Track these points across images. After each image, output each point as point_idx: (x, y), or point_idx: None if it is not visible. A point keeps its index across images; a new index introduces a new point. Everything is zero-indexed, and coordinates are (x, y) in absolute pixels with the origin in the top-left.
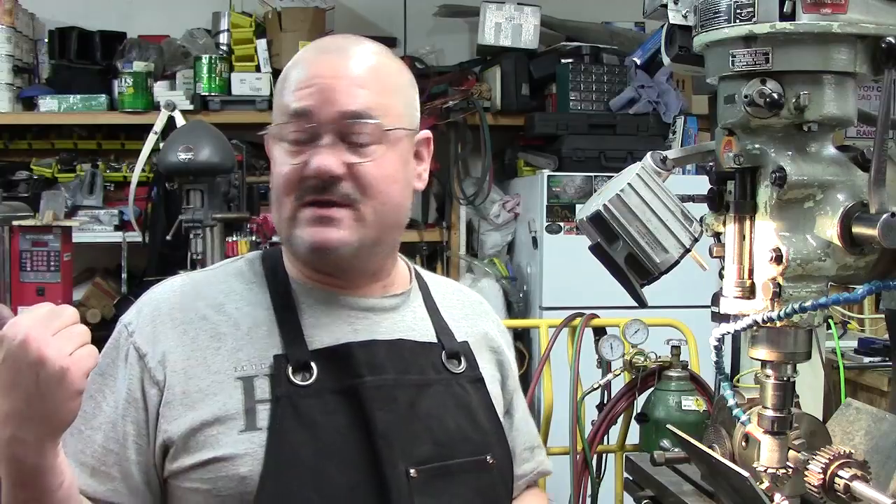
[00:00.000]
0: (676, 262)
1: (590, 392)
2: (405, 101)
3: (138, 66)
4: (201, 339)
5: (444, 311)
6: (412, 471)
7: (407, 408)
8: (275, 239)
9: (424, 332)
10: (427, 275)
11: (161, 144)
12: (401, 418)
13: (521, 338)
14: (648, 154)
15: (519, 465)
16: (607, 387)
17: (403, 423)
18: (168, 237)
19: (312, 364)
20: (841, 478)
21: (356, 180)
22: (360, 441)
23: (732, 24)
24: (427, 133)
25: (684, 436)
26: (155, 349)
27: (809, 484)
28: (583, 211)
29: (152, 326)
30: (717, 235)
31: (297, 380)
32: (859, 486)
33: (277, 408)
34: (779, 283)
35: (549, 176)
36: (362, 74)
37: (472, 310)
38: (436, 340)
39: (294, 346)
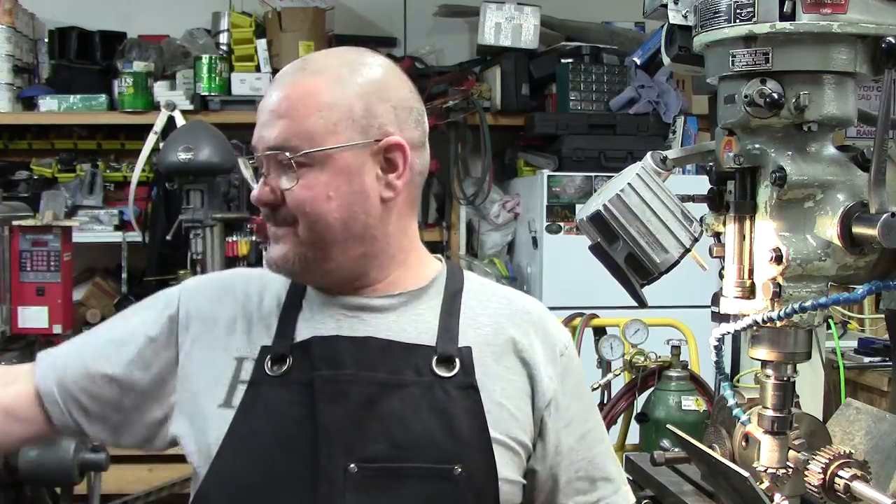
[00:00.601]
0: (676, 262)
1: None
2: (345, 116)
3: (138, 66)
4: (223, 318)
5: (466, 316)
6: (352, 466)
7: (362, 405)
8: None
9: (420, 334)
10: (473, 280)
11: (161, 144)
12: (351, 413)
13: None
14: (648, 154)
15: (569, 496)
16: (607, 387)
17: (354, 418)
18: (168, 237)
19: (288, 356)
20: (841, 478)
21: (288, 204)
22: (311, 432)
23: (732, 24)
24: (394, 139)
25: (684, 436)
26: (189, 314)
27: (809, 484)
28: (583, 211)
29: (197, 297)
30: (717, 235)
31: (272, 369)
32: (859, 486)
33: (249, 391)
34: (779, 283)
35: (549, 176)
36: (282, 105)
37: (508, 319)
38: (433, 343)
39: (281, 338)
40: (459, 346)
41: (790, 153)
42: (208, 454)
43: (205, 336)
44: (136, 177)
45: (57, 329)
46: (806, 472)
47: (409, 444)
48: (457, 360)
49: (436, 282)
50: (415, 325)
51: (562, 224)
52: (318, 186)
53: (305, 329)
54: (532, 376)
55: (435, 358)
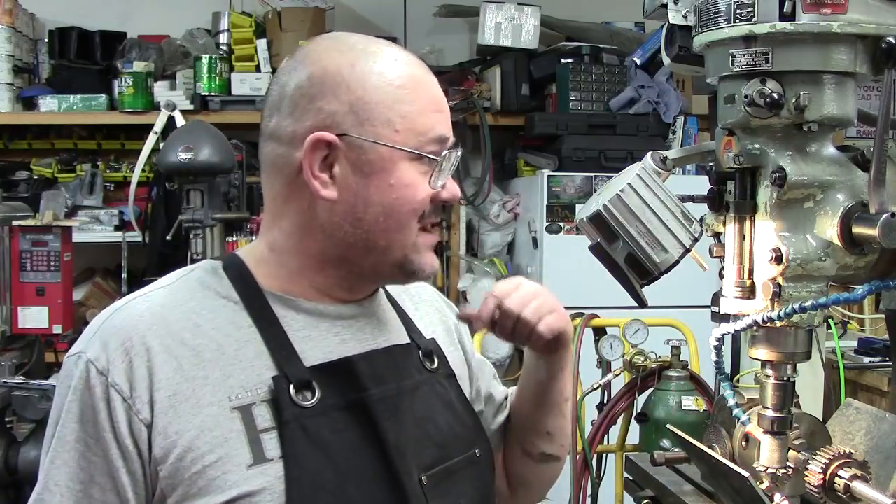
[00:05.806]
0: (676, 262)
1: (590, 392)
2: None
3: (138, 66)
4: (185, 367)
5: (402, 305)
6: (423, 478)
7: (409, 415)
8: None
9: (400, 332)
10: None
11: (161, 144)
12: (406, 426)
13: None
14: (648, 154)
15: (495, 386)
16: (607, 387)
17: (409, 431)
18: (168, 237)
19: (313, 382)
20: (841, 478)
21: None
22: (374, 455)
23: (732, 24)
24: None
25: (684, 436)
26: (137, 387)
27: (809, 484)
28: (583, 211)
29: (127, 360)
30: (717, 235)
31: (299, 400)
32: (859, 486)
33: (286, 433)
34: (779, 283)
35: (549, 176)
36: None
37: (420, 298)
38: (409, 340)
39: (290, 364)
40: (426, 338)
41: (790, 153)
42: None
43: (174, 402)
44: (136, 177)
45: (57, 329)
46: (806, 472)
47: (444, 442)
48: (433, 354)
49: None
50: (390, 324)
51: (562, 224)
52: None
53: (312, 349)
54: (461, 346)
55: (420, 353)
